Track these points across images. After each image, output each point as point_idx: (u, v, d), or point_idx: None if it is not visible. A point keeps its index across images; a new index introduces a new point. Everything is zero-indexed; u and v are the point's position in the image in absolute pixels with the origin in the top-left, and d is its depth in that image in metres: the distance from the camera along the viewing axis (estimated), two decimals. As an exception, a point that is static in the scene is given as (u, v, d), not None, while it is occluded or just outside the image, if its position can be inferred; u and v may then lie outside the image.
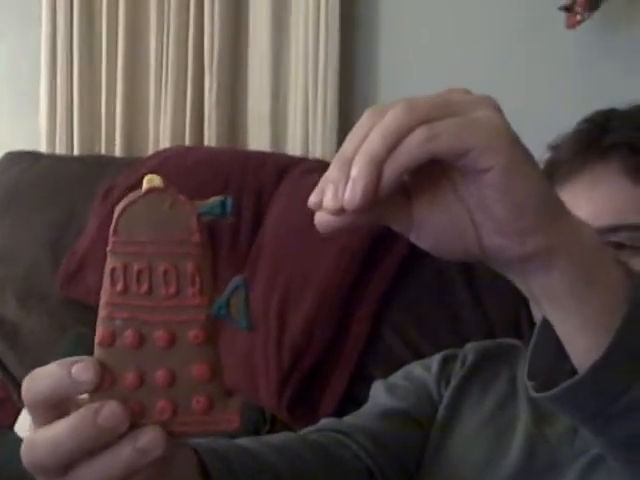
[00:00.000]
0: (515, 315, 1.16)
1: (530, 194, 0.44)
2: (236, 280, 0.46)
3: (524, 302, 1.16)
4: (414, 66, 1.51)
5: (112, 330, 0.45)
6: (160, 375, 0.45)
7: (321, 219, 0.44)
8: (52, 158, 1.83)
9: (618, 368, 0.47)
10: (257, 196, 1.39)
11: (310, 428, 0.84)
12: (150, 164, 1.51)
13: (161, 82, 1.79)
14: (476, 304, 1.19)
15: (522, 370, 0.92)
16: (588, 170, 0.81)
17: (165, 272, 0.45)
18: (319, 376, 1.21)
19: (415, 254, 1.23)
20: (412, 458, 0.86)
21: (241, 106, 1.72)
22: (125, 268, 0.45)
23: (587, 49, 1.36)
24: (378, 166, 0.42)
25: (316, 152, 1.58)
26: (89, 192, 1.58)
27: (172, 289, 0.45)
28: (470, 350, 0.96)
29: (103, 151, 1.88)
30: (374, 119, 0.43)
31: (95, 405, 0.44)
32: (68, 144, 1.91)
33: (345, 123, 1.58)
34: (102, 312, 0.45)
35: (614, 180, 0.80)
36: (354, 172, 0.42)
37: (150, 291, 0.45)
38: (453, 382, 0.91)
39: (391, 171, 0.42)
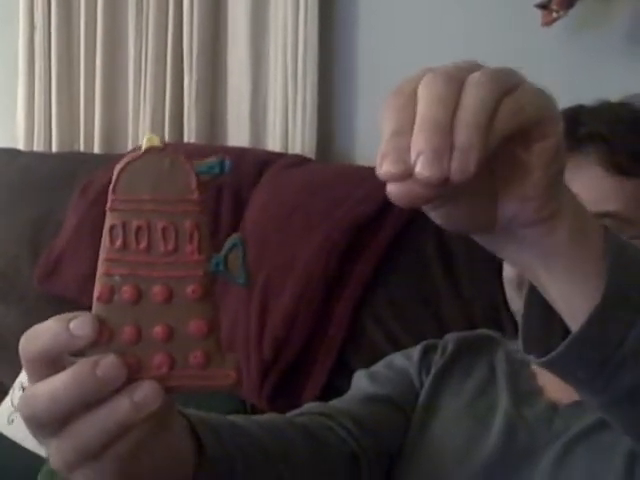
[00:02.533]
0: (494, 307, 1.18)
1: (564, 162, 0.47)
2: (233, 237, 0.46)
3: (503, 293, 1.18)
4: (391, 64, 1.52)
5: (110, 286, 0.45)
6: (158, 330, 0.45)
7: (411, 192, 0.40)
8: (30, 155, 1.82)
9: (618, 310, 0.48)
10: (236, 191, 1.40)
11: (295, 411, 0.85)
12: (129, 160, 1.51)
13: (140, 78, 1.79)
14: (456, 296, 1.21)
15: (500, 357, 0.93)
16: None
17: (164, 229, 0.45)
18: (300, 367, 1.22)
19: (396, 246, 1.24)
20: (394, 442, 0.88)
21: (221, 102, 1.73)
22: (124, 225, 0.45)
23: (562, 46, 1.38)
24: (486, 136, 0.40)
25: (295, 148, 1.58)
26: (67, 189, 1.58)
27: (170, 246, 0.45)
28: (450, 340, 0.98)
29: (82, 148, 1.88)
30: (453, 88, 0.41)
31: (94, 358, 0.44)
32: (46, 141, 1.91)
33: (324, 119, 1.59)
34: (101, 268, 0.45)
35: (591, 170, 0.83)
36: (463, 140, 0.40)
37: (149, 248, 0.45)
38: (434, 370, 0.93)
39: (491, 142, 0.41)
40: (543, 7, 1.32)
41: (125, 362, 0.44)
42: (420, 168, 0.39)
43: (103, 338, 0.45)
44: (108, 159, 1.64)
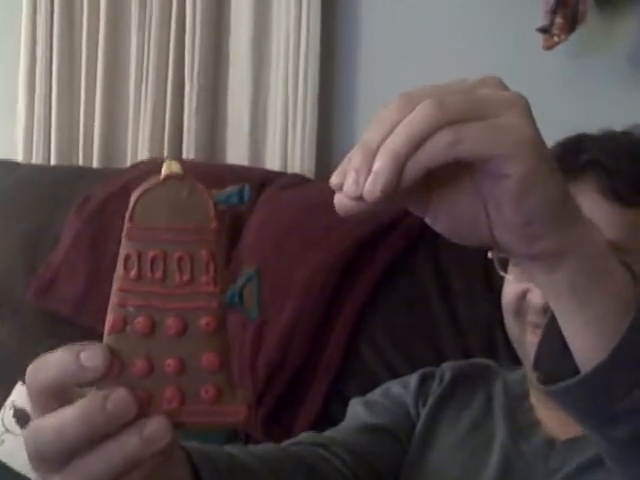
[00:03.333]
0: (491, 333, 1.17)
1: (543, 204, 0.44)
2: (249, 270, 0.46)
3: (500, 322, 1.18)
4: (391, 85, 1.52)
5: (124, 316, 0.44)
6: (170, 363, 0.44)
7: (341, 202, 0.44)
8: (29, 168, 1.82)
9: (621, 372, 0.47)
10: (235, 210, 1.39)
11: (290, 441, 0.84)
12: (128, 176, 1.51)
13: (140, 93, 1.79)
14: (452, 321, 1.20)
15: (498, 389, 0.93)
16: None
17: (179, 259, 0.44)
18: (294, 393, 1.21)
19: (392, 269, 1.24)
20: (390, 473, 0.87)
21: (221, 119, 1.72)
22: (139, 255, 0.44)
23: (563, 70, 1.38)
24: (400, 164, 0.42)
25: (295, 167, 1.58)
26: (65, 202, 1.57)
27: (186, 276, 0.44)
28: (447, 369, 0.97)
29: (81, 161, 1.87)
30: (402, 111, 0.43)
31: (104, 392, 0.43)
32: (45, 154, 1.90)
33: (324, 139, 1.59)
34: (114, 299, 0.44)
35: (590, 198, 0.82)
36: (377, 166, 0.42)
37: (164, 278, 0.44)
38: (430, 400, 0.92)
39: (413, 170, 0.42)
40: (544, 31, 1.32)
41: (135, 396, 0.43)
42: (345, 183, 0.43)
43: (114, 371, 0.44)
44: (107, 173, 1.63)
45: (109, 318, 0.44)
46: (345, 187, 0.43)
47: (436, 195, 0.47)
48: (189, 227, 0.44)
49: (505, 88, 0.45)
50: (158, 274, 0.44)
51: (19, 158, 1.91)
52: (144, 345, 0.44)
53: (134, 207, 0.44)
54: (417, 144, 0.42)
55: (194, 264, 0.44)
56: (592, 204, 0.82)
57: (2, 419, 1.33)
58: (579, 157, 0.85)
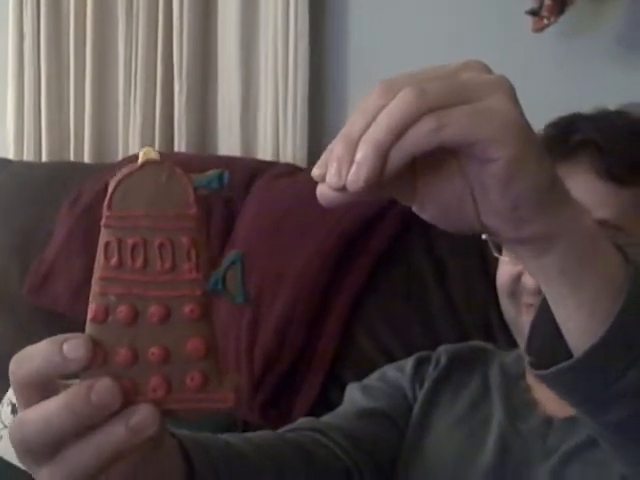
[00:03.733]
0: (486, 317, 1.17)
1: (531, 187, 0.44)
2: (232, 255, 0.45)
3: (495, 304, 1.18)
4: (382, 74, 1.51)
5: (105, 306, 0.43)
6: (154, 351, 0.44)
7: (323, 193, 0.44)
8: (20, 164, 1.81)
9: (613, 355, 0.47)
10: (228, 200, 1.39)
11: (287, 427, 0.84)
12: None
13: (130, 88, 1.78)
14: (448, 306, 1.20)
15: (494, 370, 0.93)
16: (558, 168, 0.82)
17: (160, 246, 0.43)
18: (292, 380, 1.21)
19: (387, 256, 1.24)
20: (388, 457, 0.87)
21: (211, 112, 1.72)
22: (119, 242, 0.43)
23: (553, 52, 1.37)
24: (383, 153, 0.42)
25: (287, 157, 1.57)
26: (57, 199, 1.57)
27: (167, 264, 0.44)
28: (443, 352, 0.97)
29: (72, 157, 1.87)
30: (383, 99, 0.43)
31: (88, 382, 0.42)
32: (36, 150, 1.89)
33: (315, 128, 1.59)
34: (95, 287, 0.44)
35: (583, 177, 0.82)
36: (359, 156, 0.42)
37: (145, 265, 0.44)
38: (427, 383, 0.93)
39: (396, 158, 0.42)
40: (534, 14, 1.32)
41: (120, 386, 0.43)
42: (327, 174, 0.42)
43: (97, 360, 0.43)
44: (98, 169, 1.63)
45: (91, 307, 0.44)
46: (328, 178, 0.42)
47: (422, 182, 0.46)
48: (169, 213, 0.44)
49: (488, 71, 0.45)
50: (139, 262, 0.44)
51: (10, 155, 1.91)
52: (127, 334, 0.44)
53: (112, 194, 0.43)
54: (399, 132, 0.41)
55: (175, 251, 0.44)
56: (586, 184, 0.82)
57: (0, 415, 1.33)
58: (572, 137, 0.84)
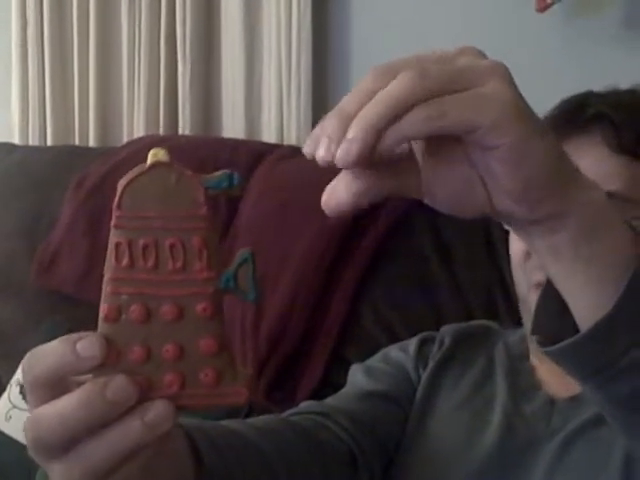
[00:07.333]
0: (491, 296, 1.17)
1: (539, 168, 0.43)
2: (243, 252, 0.45)
3: (500, 284, 1.17)
4: (386, 55, 1.51)
5: (118, 305, 0.44)
6: (167, 349, 0.44)
7: (329, 201, 0.43)
8: (25, 149, 1.81)
9: (622, 327, 0.47)
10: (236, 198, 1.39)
11: (290, 411, 0.84)
12: (124, 153, 1.50)
13: (134, 71, 1.78)
14: (453, 285, 1.20)
15: (499, 350, 0.93)
16: (570, 142, 0.83)
17: (172, 246, 0.44)
18: (297, 360, 1.21)
19: (392, 236, 1.24)
20: (392, 439, 0.87)
21: (215, 94, 1.72)
22: (130, 243, 0.44)
23: (557, 32, 1.37)
24: (377, 133, 0.41)
25: (291, 139, 1.57)
26: (63, 183, 1.57)
27: (179, 263, 0.44)
28: (447, 332, 0.97)
29: (77, 141, 1.87)
30: (382, 80, 0.42)
31: (103, 379, 0.43)
32: (41, 135, 1.89)
33: (319, 110, 1.58)
34: (107, 288, 0.44)
35: (596, 151, 0.83)
36: (351, 134, 0.41)
37: (156, 265, 0.44)
38: (431, 364, 0.93)
39: (391, 139, 0.41)
40: (537, -7, 1.31)
41: (135, 382, 0.43)
42: (319, 149, 0.42)
43: (111, 359, 0.44)
44: (103, 152, 1.63)
45: (103, 307, 0.44)
46: (317, 153, 0.42)
47: (429, 172, 0.46)
48: (179, 214, 0.44)
49: (484, 57, 0.44)
50: (150, 262, 0.44)
51: (15, 140, 1.91)
52: (140, 332, 0.44)
53: (121, 195, 0.44)
54: (396, 116, 0.41)
55: (186, 250, 0.44)
56: (598, 157, 0.82)
57: (9, 395, 1.34)
58: (585, 111, 0.85)
